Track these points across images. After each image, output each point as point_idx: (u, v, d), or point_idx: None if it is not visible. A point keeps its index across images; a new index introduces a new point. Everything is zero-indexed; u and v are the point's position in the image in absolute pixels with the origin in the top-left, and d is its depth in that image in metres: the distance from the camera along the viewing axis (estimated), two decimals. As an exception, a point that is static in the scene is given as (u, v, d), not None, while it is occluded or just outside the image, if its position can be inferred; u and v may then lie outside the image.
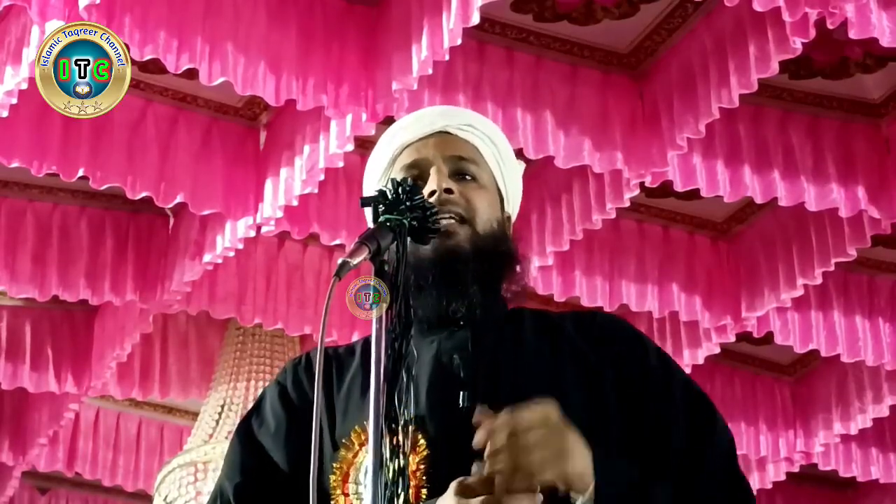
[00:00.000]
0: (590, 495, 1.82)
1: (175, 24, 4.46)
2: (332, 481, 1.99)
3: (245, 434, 2.15)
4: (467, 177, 2.15)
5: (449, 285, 2.05)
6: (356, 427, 2.01)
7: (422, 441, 1.91)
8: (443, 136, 2.19)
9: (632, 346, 2.11)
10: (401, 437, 1.78)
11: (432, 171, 2.13)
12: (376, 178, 2.21)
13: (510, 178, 2.24)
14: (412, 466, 1.87)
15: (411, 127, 2.21)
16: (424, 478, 1.90)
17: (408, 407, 1.80)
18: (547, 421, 1.78)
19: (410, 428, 1.80)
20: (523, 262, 2.19)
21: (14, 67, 4.49)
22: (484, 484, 1.75)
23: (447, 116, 2.23)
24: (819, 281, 5.53)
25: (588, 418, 1.92)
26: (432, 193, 2.08)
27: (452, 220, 2.08)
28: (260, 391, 5.88)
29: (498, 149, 2.22)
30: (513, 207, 2.25)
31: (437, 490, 1.83)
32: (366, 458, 1.97)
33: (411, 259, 1.94)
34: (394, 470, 1.76)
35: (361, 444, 1.99)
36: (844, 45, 4.88)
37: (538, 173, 5.27)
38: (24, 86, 4.47)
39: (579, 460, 1.81)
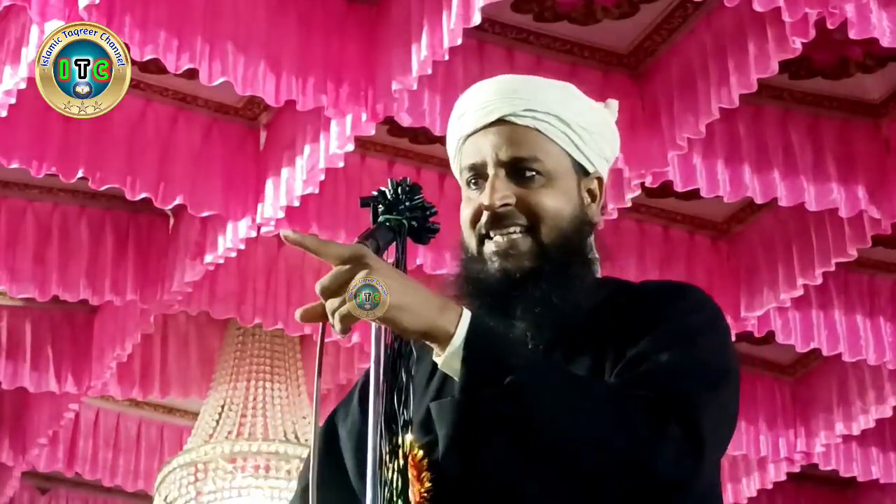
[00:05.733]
0: None
1: (175, 24, 4.46)
2: None
3: (330, 422, 2.13)
4: (528, 173, 1.99)
5: (506, 311, 1.96)
6: None
7: (421, 454, 1.81)
8: (502, 129, 2.01)
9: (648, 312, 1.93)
10: (400, 438, 1.77)
11: (487, 181, 1.99)
12: (453, 162, 2.10)
13: (591, 139, 2.04)
14: (416, 496, 1.78)
15: (471, 113, 2.04)
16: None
17: (407, 407, 1.79)
18: None
19: (410, 428, 1.79)
20: (598, 252, 2.06)
21: (14, 67, 4.50)
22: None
23: (506, 102, 2.02)
24: (819, 281, 5.52)
25: None
26: (489, 207, 1.96)
27: (516, 235, 1.97)
28: (260, 391, 6.00)
29: (568, 124, 2.02)
30: (601, 163, 2.07)
31: None
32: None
33: (473, 277, 1.95)
34: (393, 470, 1.76)
35: None
36: (844, 45, 4.88)
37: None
38: (24, 86, 4.46)
39: None
